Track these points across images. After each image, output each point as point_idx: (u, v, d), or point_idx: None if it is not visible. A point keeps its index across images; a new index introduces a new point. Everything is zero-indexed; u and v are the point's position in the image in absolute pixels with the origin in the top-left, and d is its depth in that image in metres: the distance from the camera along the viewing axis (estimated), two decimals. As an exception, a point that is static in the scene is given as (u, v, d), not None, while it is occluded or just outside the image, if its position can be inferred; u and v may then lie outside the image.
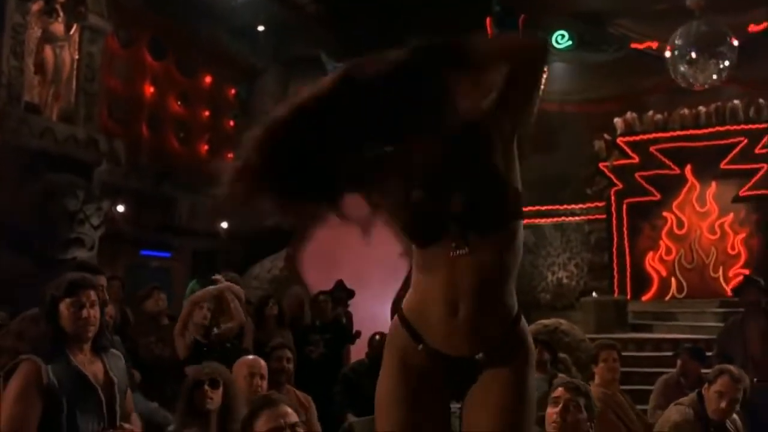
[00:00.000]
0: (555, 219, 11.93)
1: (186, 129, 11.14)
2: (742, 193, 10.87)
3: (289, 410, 2.36)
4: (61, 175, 7.15)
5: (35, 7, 7.45)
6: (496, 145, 1.82)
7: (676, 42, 10.31)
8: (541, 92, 10.97)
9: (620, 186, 11.34)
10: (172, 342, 4.71)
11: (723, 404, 3.58)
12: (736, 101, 10.96)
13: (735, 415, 3.74)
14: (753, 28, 11.08)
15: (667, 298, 11.07)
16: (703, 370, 4.81)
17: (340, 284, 7.45)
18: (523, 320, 1.93)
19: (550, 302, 11.60)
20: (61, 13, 7.69)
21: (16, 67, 7.20)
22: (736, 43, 10.24)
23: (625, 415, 4.22)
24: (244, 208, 1.75)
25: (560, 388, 2.92)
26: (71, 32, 7.84)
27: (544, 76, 11.41)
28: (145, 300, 5.53)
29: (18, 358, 2.60)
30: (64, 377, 2.54)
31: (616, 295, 10.90)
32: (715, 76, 10.29)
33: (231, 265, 8.53)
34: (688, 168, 11.06)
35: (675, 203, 11.20)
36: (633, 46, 11.82)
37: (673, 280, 11.15)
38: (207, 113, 11.60)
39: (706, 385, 3.71)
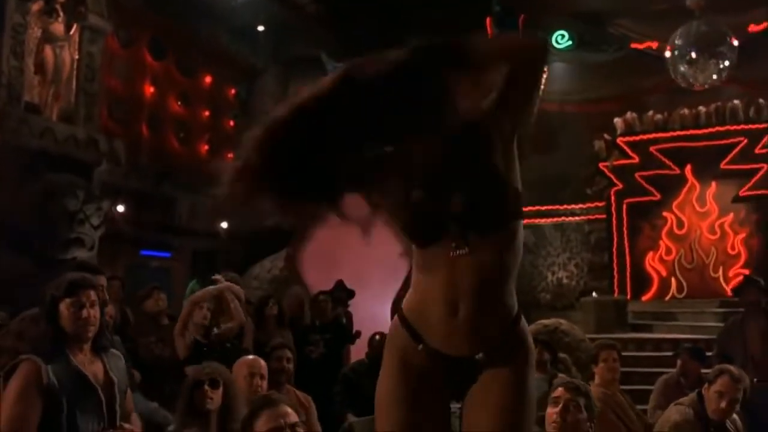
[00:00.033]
0: (555, 219, 11.93)
1: (186, 129, 11.14)
2: (742, 193, 10.87)
3: (290, 410, 2.36)
4: (61, 175, 7.15)
5: (35, 7, 7.45)
6: (496, 145, 1.82)
7: (676, 42, 10.31)
8: (541, 92, 10.98)
9: (620, 186, 11.35)
10: (172, 342, 4.71)
11: (723, 404, 3.58)
12: (736, 101, 10.96)
13: (735, 415, 3.74)
14: (753, 28, 11.09)
15: (667, 298, 11.07)
16: (703, 370, 4.81)
17: (340, 284, 7.45)
18: (523, 320, 1.93)
19: (550, 302, 11.60)
20: (61, 13, 7.69)
21: (16, 67, 7.20)
22: (736, 43, 10.24)
23: (625, 415, 4.23)
24: (244, 208, 1.75)
25: (560, 388, 2.92)
26: (71, 32, 7.84)
27: (544, 76, 11.42)
28: (145, 300, 5.53)
29: (18, 358, 2.60)
30: (64, 377, 2.54)
31: (616, 295, 10.90)
32: (715, 76, 10.30)
33: (231, 265, 8.53)
34: (688, 168, 11.06)
35: (675, 203, 11.21)
36: (633, 46, 11.82)
37: (673, 280, 11.15)
38: (207, 113, 11.61)
39: (706, 385, 3.71)
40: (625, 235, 11.38)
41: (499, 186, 1.80)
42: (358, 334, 6.79)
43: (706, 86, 10.52)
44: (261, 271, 10.20)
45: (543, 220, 11.78)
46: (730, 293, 9.46)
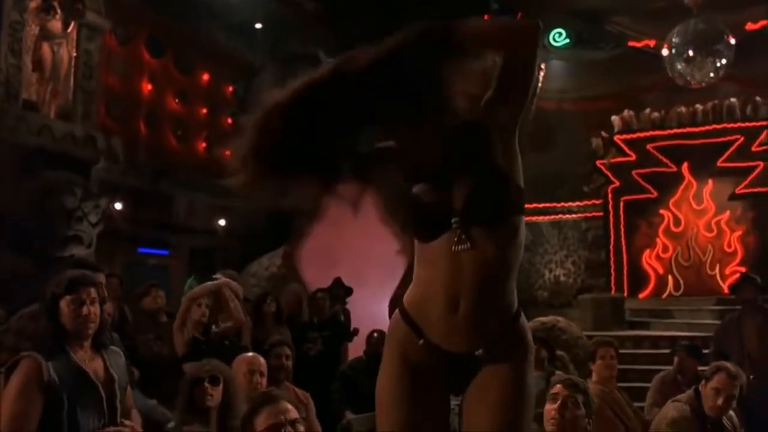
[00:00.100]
0: (552, 216, 11.95)
1: (184, 126, 11.12)
2: (739, 190, 10.90)
3: (290, 407, 2.36)
4: (58, 173, 7.14)
5: (33, 4, 7.43)
6: (497, 140, 1.83)
7: (674, 40, 10.32)
8: (538, 88, 11.00)
9: (617, 183, 11.37)
10: (171, 339, 4.71)
11: (720, 401, 3.60)
12: (733, 99, 10.98)
13: (732, 412, 3.76)
14: (750, 26, 11.11)
15: (664, 295, 11.10)
16: (700, 368, 4.83)
17: (338, 281, 7.46)
18: (523, 317, 1.94)
19: (547, 300, 11.62)
20: (59, 11, 7.67)
21: (13, 65, 7.19)
22: (733, 41, 10.26)
23: (622, 412, 4.24)
24: (247, 189, 1.76)
25: (559, 385, 2.94)
26: (69, 30, 7.82)
27: (542, 73, 11.44)
28: (143, 297, 5.53)
29: (19, 355, 2.61)
30: (64, 374, 2.55)
31: (613, 292, 10.93)
32: (712, 75, 10.31)
33: (228, 262, 8.54)
34: (684, 166, 11.09)
35: (672, 201, 11.23)
36: (630, 44, 11.83)
37: (670, 277, 11.18)
38: (205, 111, 11.59)
39: (703, 382, 3.73)
40: (622, 233, 11.41)
41: (501, 181, 1.81)
42: (356, 331, 6.80)
43: (703, 84, 10.54)
44: (259, 269, 10.20)
45: (540, 218, 11.80)
46: (726, 291, 9.48)
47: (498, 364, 1.86)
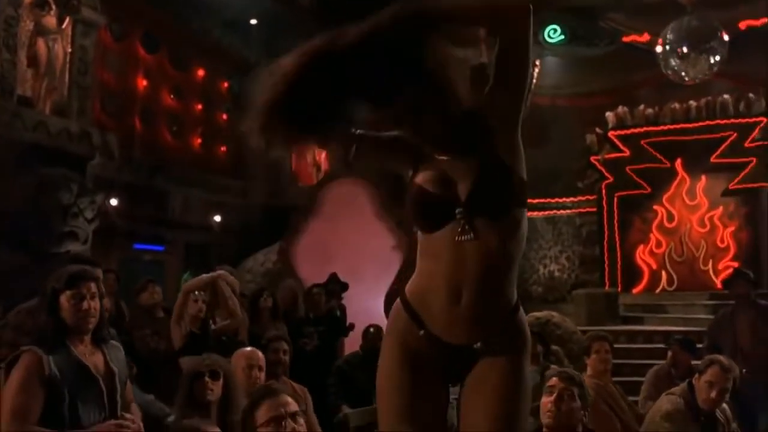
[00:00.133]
0: (546, 212, 12.00)
1: (179, 122, 11.13)
2: (732, 186, 10.96)
3: (290, 400, 2.39)
4: (54, 169, 7.14)
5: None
6: (499, 131, 1.86)
7: (668, 37, 10.37)
8: (533, 82, 11.02)
9: (611, 179, 11.41)
10: (168, 335, 4.72)
11: (713, 394, 3.63)
12: (726, 96, 11.05)
13: (725, 405, 3.80)
14: (743, 23, 11.16)
15: (658, 290, 11.17)
16: (693, 362, 4.87)
17: (333, 277, 7.48)
18: (522, 310, 1.97)
19: (542, 295, 11.68)
20: (54, 6, 7.67)
21: (8, 60, 7.18)
22: (726, 38, 10.30)
23: (617, 406, 4.28)
24: (264, 138, 1.84)
25: (554, 378, 2.96)
26: (64, 25, 7.82)
27: (536, 69, 11.46)
28: (140, 293, 5.54)
29: (19, 349, 2.62)
30: (65, 368, 2.56)
31: (607, 287, 10.98)
32: (705, 71, 10.36)
33: (224, 258, 8.54)
34: (678, 161, 11.14)
35: (665, 197, 11.29)
36: (625, 40, 11.88)
37: (663, 272, 11.24)
38: (200, 107, 11.60)
39: (696, 375, 3.76)
40: (616, 229, 11.46)
41: (505, 172, 1.83)
42: (352, 326, 6.82)
43: (697, 81, 10.59)
44: (254, 265, 10.20)
45: (535, 214, 11.83)
46: (719, 286, 9.58)
47: (496, 356, 1.88)
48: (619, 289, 10.90)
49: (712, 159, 10.92)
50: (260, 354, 3.78)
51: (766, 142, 10.68)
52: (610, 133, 11.43)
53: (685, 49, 10.24)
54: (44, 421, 2.50)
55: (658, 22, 10.67)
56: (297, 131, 1.82)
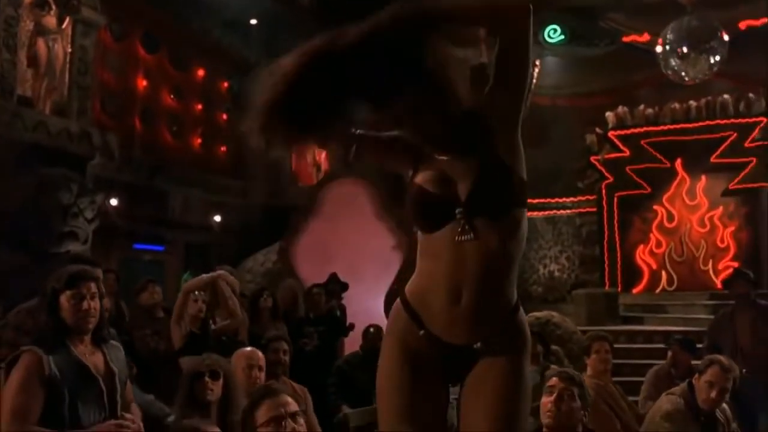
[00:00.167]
0: (547, 212, 12.01)
1: (179, 122, 11.14)
2: (732, 186, 10.97)
3: (290, 400, 2.39)
4: (54, 169, 7.15)
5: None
6: (499, 130, 1.86)
7: (668, 37, 10.37)
8: (533, 82, 11.02)
9: (611, 179, 11.42)
10: (168, 335, 4.72)
11: (713, 394, 3.63)
12: (726, 96, 11.06)
13: (725, 405, 3.80)
14: (743, 23, 11.17)
15: (658, 290, 11.17)
16: (693, 362, 4.87)
17: (333, 277, 7.48)
18: (522, 310, 1.97)
19: (542, 295, 11.68)
20: (54, 6, 7.67)
21: (8, 60, 7.19)
22: (726, 38, 10.31)
23: (617, 405, 4.28)
24: (264, 136, 1.85)
25: (555, 378, 2.96)
26: (64, 25, 7.83)
27: (536, 69, 11.47)
28: (140, 293, 5.54)
29: (20, 349, 2.62)
30: (65, 368, 2.56)
31: (607, 287, 10.98)
32: (705, 71, 10.36)
33: (224, 258, 8.55)
34: (678, 162, 11.15)
35: (665, 197, 11.30)
36: (625, 40, 11.88)
37: (663, 272, 11.25)
38: (200, 107, 11.60)
39: (696, 375, 3.76)
40: (616, 229, 11.47)
41: (505, 173, 1.83)
42: (352, 326, 6.82)
43: (697, 81, 10.59)
44: (254, 265, 10.21)
45: (535, 214, 11.83)
46: (719, 286, 9.58)
47: (496, 356, 1.88)
48: (619, 289, 10.91)
49: (712, 159, 10.93)
50: (260, 354, 3.78)
51: (766, 142, 10.69)
52: (610, 133, 11.43)
53: (685, 49, 10.24)
54: (44, 421, 2.51)
55: (658, 23, 10.67)
56: (297, 131, 1.83)
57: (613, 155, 11.43)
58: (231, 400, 3.04)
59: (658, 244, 11.33)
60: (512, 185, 1.84)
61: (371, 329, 5.78)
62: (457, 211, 1.82)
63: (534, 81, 11.21)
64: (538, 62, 11.72)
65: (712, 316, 6.94)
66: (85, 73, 8.02)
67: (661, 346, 7.18)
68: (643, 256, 11.38)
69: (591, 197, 11.77)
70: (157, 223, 10.13)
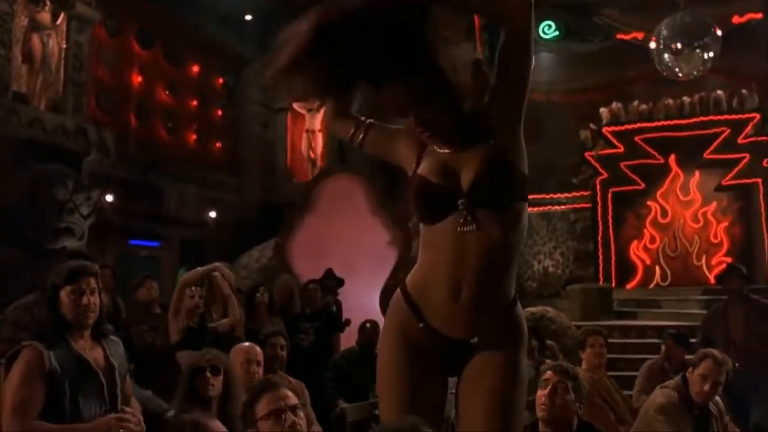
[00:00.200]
0: (541, 208, 12.03)
1: (174, 118, 11.11)
2: (725, 182, 11.01)
3: (290, 393, 2.40)
4: (50, 165, 7.14)
5: (22, -5, 7.42)
6: (502, 125, 1.88)
7: (662, 33, 10.40)
8: (532, 66, 11.02)
9: (605, 175, 11.45)
10: (165, 330, 4.73)
11: (706, 387, 3.68)
12: (719, 92, 11.09)
13: (717, 398, 3.84)
14: (736, 19, 11.21)
15: (652, 286, 11.21)
16: (687, 356, 4.92)
17: (329, 273, 7.50)
18: (519, 305, 1.99)
19: (536, 290, 11.71)
20: (48, 2, 7.65)
21: (3, 56, 7.17)
22: (719, 34, 10.34)
23: (611, 399, 4.32)
24: (291, 78, 1.83)
25: (549, 371, 2.99)
26: (58, 21, 7.80)
27: (532, 64, 11.47)
28: (137, 289, 5.55)
29: (20, 344, 2.64)
30: (66, 362, 2.58)
31: (601, 283, 11.02)
32: (699, 67, 10.40)
33: (219, 254, 8.54)
34: (672, 157, 11.18)
35: (659, 192, 11.34)
36: (619, 36, 11.90)
37: (657, 268, 11.29)
38: (195, 103, 11.57)
39: (690, 369, 3.80)
40: (610, 224, 11.50)
41: (507, 165, 1.85)
42: (348, 322, 6.84)
43: (691, 77, 10.63)
44: (249, 261, 10.22)
45: (529, 209, 11.70)
46: (713, 281, 9.63)
47: (493, 350, 1.91)
48: (613, 284, 10.95)
49: (706, 155, 10.97)
50: (258, 349, 3.79)
51: (759, 138, 10.74)
52: (605, 129, 11.46)
53: (678, 45, 10.28)
54: (45, 415, 2.52)
55: (652, 19, 10.70)
56: (325, 75, 1.80)
57: (607, 151, 11.46)
58: (231, 395, 3.05)
59: (652, 240, 11.38)
60: (514, 178, 1.86)
61: (367, 325, 5.81)
62: (459, 202, 1.84)
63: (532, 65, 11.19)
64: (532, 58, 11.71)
65: (705, 311, 6.98)
66: (80, 69, 8.00)
67: (655, 340, 7.23)
68: (637, 252, 11.42)
69: (585, 193, 11.79)
70: (153, 219, 10.11)
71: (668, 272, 11.22)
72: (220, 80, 12.15)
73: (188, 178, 10.75)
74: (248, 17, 11.59)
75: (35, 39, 7.50)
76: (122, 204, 9.05)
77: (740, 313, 5.59)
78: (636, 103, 11.48)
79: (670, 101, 11.26)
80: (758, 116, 10.81)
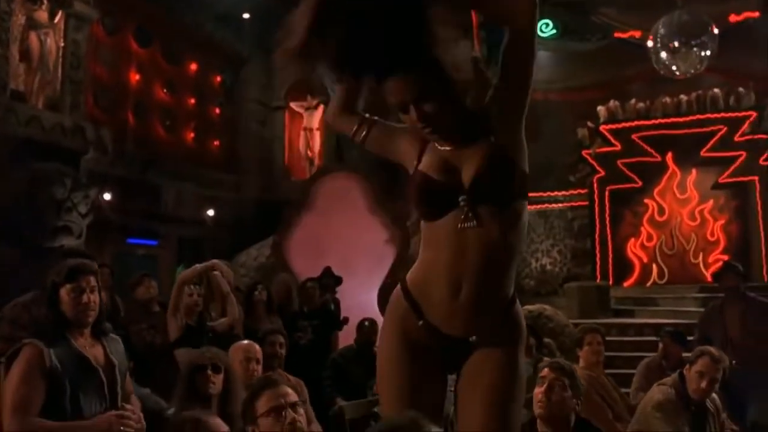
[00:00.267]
0: (538, 206, 12.04)
1: (172, 117, 11.11)
2: (722, 180, 11.05)
3: (290, 390, 2.41)
4: (48, 164, 7.14)
5: (19, -7, 7.41)
6: (504, 123, 1.87)
7: (659, 31, 10.41)
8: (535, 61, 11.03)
9: (603, 173, 11.48)
10: (164, 328, 4.74)
11: (703, 384, 3.69)
12: (716, 90, 11.12)
13: (714, 395, 3.86)
14: (733, 18, 11.23)
15: (649, 283, 11.24)
16: (684, 354, 4.93)
17: (327, 271, 7.50)
18: (518, 302, 2.00)
19: (534, 288, 11.73)
20: (46, 0, 7.65)
21: (0, 55, 7.17)
22: (716, 32, 10.36)
23: (609, 397, 4.34)
24: (297, 60, 1.80)
25: (546, 369, 3.00)
26: (56, 19, 7.80)
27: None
28: (136, 287, 5.55)
29: (20, 342, 2.64)
30: (66, 360, 2.59)
31: (598, 281, 11.04)
32: (696, 65, 10.42)
33: (217, 252, 8.55)
34: (669, 155, 11.21)
35: (656, 190, 11.37)
36: (616, 35, 11.91)
37: (654, 266, 11.32)
38: (193, 101, 11.58)
39: (687, 366, 3.82)
40: (608, 222, 11.53)
41: (508, 163, 1.85)
42: (346, 320, 6.85)
43: (688, 75, 10.64)
44: (247, 259, 10.22)
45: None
46: (709, 279, 9.66)
47: (492, 348, 1.92)
48: (611, 282, 10.97)
49: (703, 153, 11.00)
50: (257, 347, 3.80)
51: (755, 136, 10.77)
52: (602, 127, 11.48)
53: (676, 44, 10.29)
54: (46, 413, 2.53)
55: (650, 17, 10.70)
56: (333, 56, 1.77)
57: (604, 149, 11.48)
58: (231, 393, 3.06)
59: (649, 238, 11.41)
60: (515, 176, 1.86)
61: (366, 323, 5.81)
62: (460, 198, 1.84)
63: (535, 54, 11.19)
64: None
65: (702, 309, 6.99)
66: (77, 67, 8.00)
67: (653, 338, 7.25)
68: (634, 250, 11.45)
69: (583, 191, 11.82)
70: (150, 218, 10.12)
71: (665, 270, 11.25)
72: (218, 78, 12.15)
73: (186, 176, 10.76)
74: (246, 16, 11.60)
75: (33, 37, 7.50)
76: (120, 202, 9.05)
77: (737, 311, 5.61)
78: (633, 101, 11.50)
79: (667, 99, 11.28)
80: (755, 114, 10.84)
